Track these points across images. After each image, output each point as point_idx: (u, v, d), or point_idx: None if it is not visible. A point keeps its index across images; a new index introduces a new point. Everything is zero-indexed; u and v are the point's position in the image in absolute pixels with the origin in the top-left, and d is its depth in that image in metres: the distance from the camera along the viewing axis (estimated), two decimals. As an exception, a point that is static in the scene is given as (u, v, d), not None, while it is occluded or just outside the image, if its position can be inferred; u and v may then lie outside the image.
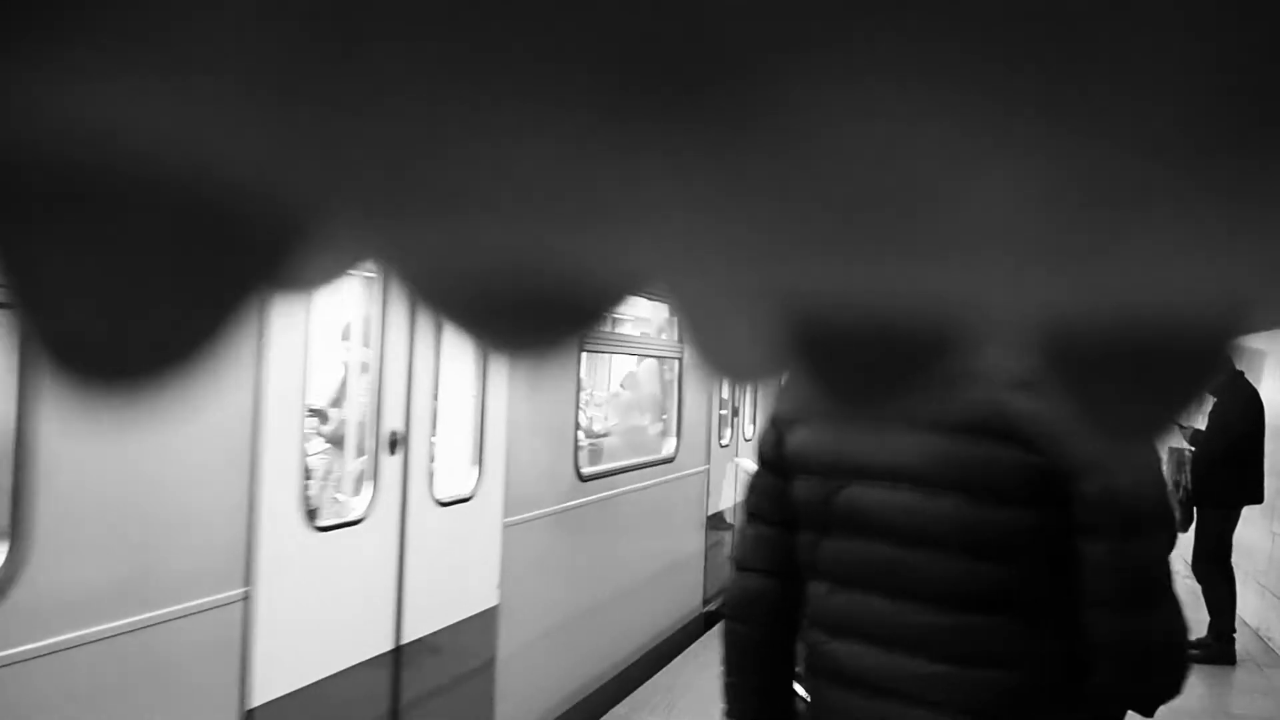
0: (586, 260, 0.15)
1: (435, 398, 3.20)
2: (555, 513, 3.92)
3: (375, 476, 2.88)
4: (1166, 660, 1.15)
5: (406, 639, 3.01)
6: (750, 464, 2.67)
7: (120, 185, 0.13)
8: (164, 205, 0.14)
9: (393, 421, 2.94)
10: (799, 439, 1.32)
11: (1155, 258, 0.14)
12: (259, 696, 2.40)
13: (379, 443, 2.90)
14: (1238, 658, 5.42)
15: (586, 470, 4.26)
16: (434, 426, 3.20)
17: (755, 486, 1.40)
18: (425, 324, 3.02)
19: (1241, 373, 5.30)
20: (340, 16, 0.10)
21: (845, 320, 0.16)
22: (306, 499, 2.59)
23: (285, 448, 2.50)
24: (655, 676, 4.79)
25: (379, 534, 2.89)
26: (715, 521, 6.12)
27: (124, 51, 0.11)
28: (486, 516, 3.44)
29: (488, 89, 0.11)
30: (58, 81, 0.11)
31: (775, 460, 1.36)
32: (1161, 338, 0.16)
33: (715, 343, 0.17)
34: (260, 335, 2.36)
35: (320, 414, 4.02)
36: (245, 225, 0.14)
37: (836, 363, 0.17)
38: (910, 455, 1.21)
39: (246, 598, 2.39)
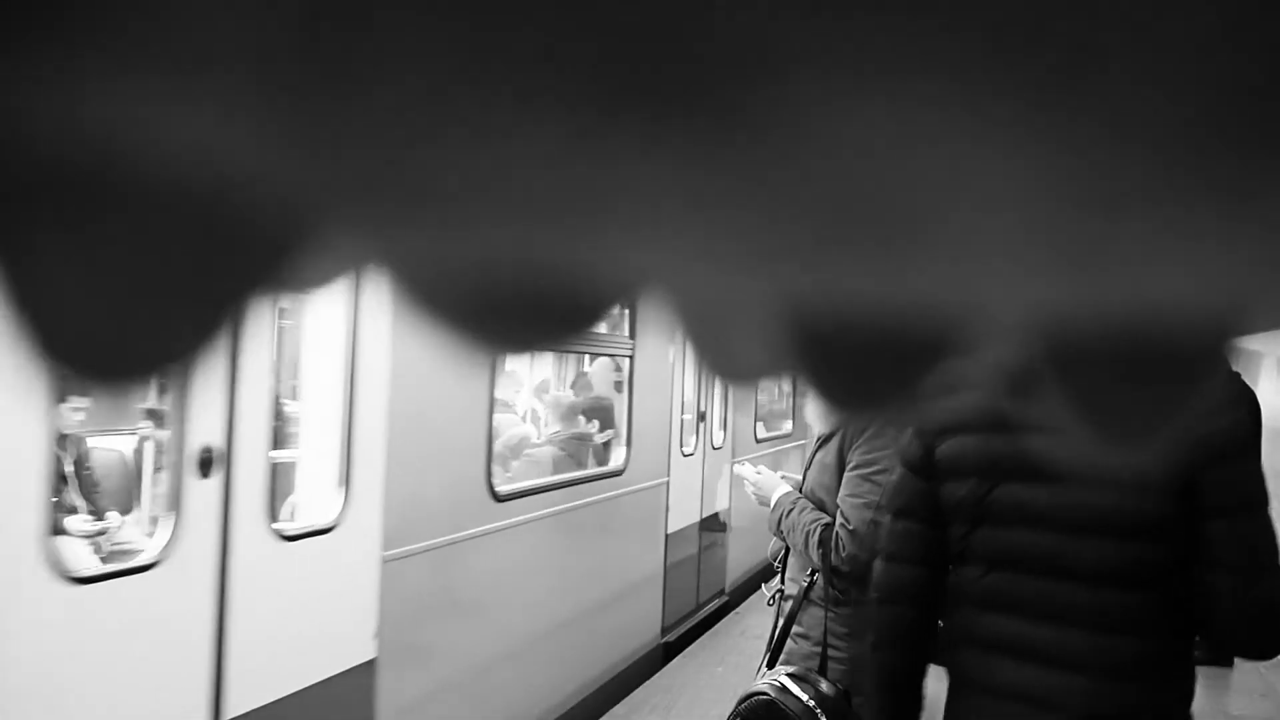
0: (584, 261, 0.15)
1: (278, 401, 2.53)
2: (458, 541, 3.24)
3: (177, 506, 2.20)
4: None
5: (232, 713, 2.33)
6: (747, 469, 2.59)
7: (121, 185, 0.13)
8: (164, 206, 0.14)
9: (205, 433, 2.26)
10: (951, 446, 1.56)
11: (1154, 258, 0.14)
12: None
13: (183, 462, 2.21)
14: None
15: (504, 489, 3.58)
16: (275, 439, 2.53)
17: (902, 489, 1.65)
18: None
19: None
20: (340, 19, 0.10)
21: (845, 322, 0.16)
22: (52, 539, 1.91)
23: (14, 465, 1.82)
24: (654, 677, 4.60)
25: (184, 581, 2.20)
26: (678, 540, 5.44)
27: (126, 53, 0.11)
28: (357, 550, 2.77)
29: (487, 90, 0.11)
30: (59, 82, 0.11)
31: (923, 466, 1.60)
32: (1160, 339, 0.16)
33: (714, 344, 0.17)
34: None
35: (155, 415, 3.34)
36: (244, 226, 0.14)
37: (837, 364, 0.17)
38: None
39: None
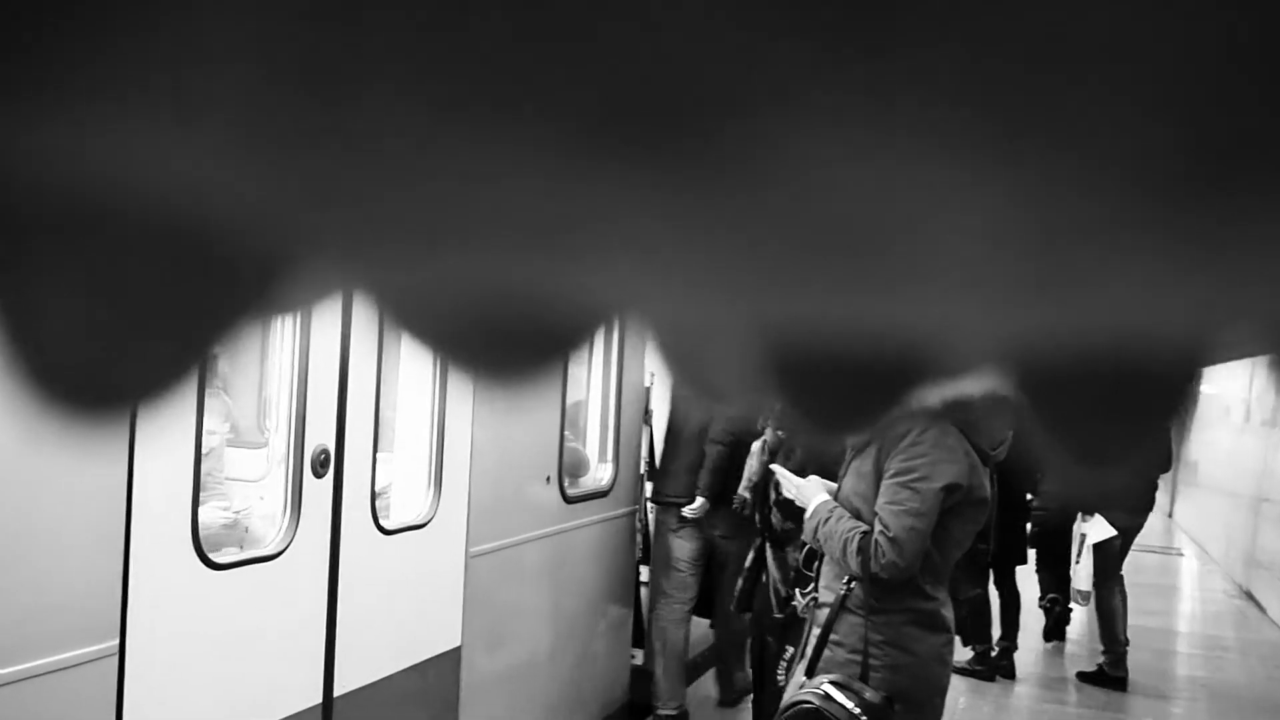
0: (568, 289, 0.15)
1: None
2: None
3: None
4: None
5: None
6: (787, 471, 2.62)
7: (115, 219, 0.13)
8: (157, 238, 0.14)
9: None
10: None
11: (1124, 289, 0.14)
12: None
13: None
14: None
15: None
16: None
17: None
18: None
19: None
20: (335, 60, 0.11)
21: (820, 348, 0.17)
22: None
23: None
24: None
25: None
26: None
27: (126, 93, 0.11)
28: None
29: (476, 127, 0.11)
30: (58, 121, 0.12)
31: None
32: (1131, 366, 0.16)
33: (693, 366, 0.18)
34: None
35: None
36: (236, 257, 0.14)
37: (812, 388, 0.17)
38: None
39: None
